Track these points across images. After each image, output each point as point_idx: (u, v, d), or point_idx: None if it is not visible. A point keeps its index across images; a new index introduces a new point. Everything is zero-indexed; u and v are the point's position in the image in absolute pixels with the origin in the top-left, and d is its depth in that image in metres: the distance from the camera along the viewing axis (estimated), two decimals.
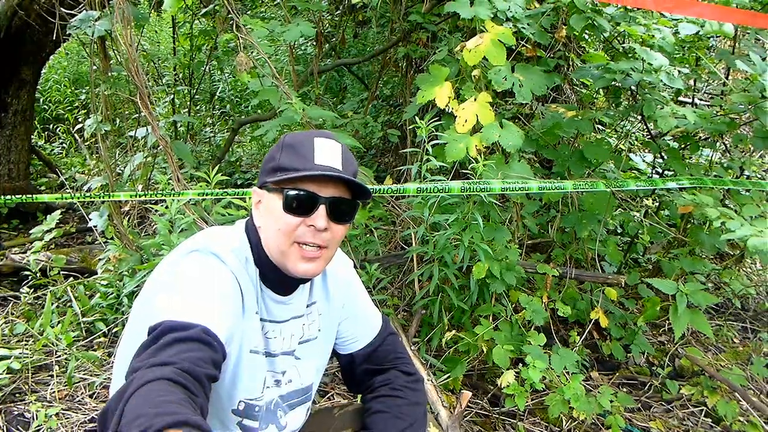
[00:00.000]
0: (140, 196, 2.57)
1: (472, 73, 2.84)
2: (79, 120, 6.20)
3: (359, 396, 1.67)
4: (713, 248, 3.12)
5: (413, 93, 4.25)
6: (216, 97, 6.88)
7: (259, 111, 6.04)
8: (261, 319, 1.39)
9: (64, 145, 6.46)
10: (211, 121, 6.67)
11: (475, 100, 2.70)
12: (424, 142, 2.71)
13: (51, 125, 6.74)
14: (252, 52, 3.02)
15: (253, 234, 1.40)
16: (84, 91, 6.85)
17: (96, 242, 4.26)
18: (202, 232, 1.43)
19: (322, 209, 1.30)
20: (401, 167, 4.13)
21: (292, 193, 1.30)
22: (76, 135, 5.92)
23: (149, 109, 2.73)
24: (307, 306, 1.51)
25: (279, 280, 1.39)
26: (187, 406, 0.94)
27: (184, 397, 0.97)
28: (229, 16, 3.10)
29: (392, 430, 1.49)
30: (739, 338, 3.65)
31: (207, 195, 2.60)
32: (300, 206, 1.30)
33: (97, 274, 3.56)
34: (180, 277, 1.25)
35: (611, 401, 2.62)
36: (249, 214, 1.48)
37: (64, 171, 5.52)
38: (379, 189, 2.43)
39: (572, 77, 3.68)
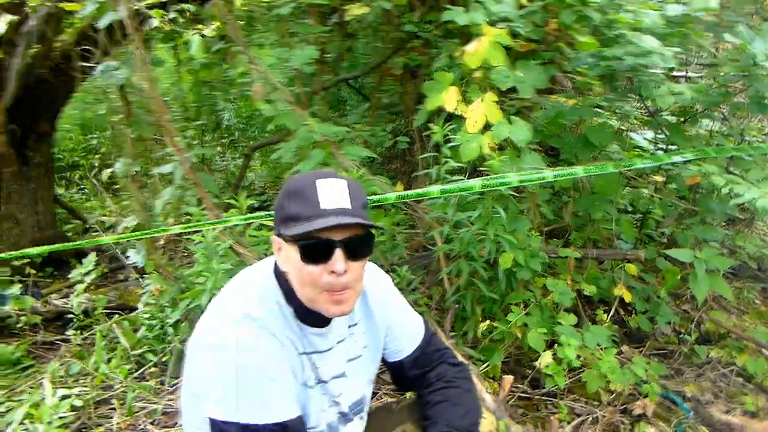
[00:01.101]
0: (186, 227, 2.72)
1: (474, 75, 2.99)
2: (95, 165, 6.40)
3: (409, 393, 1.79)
4: (724, 215, 3.25)
5: (414, 100, 4.41)
6: (223, 126, 7.06)
7: (266, 135, 6.22)
8: (306, 353, 1.45)
9: (84, 190, 6.65)
10: (221, 150, 6.86)
11: (482, 100, 2.85)
12: (440, 145, 2.85)
13: (67, 173, 6.93)
14: (263, 79, 3.18)
15: (281, 278, 1.44)
16: (94, 136, 7.05)
17: (129, 279, 4.45)
18: (233, 285, 1.47)
19: (338, 253, 1.33)
20: (413, 172, 4.27)
21: (307, 244, 1.32)
22: (94, 180, 6.10)
23: (177, 145, 2.89)
24: (349, 327, 1.58)
25: (314, 316, 1.43)
26: None
27: None
28: (238, 48, 3.27)
29: (454, 417, 1.57)
30: (760, 298, 3.77)
31: (251, 219, 2.74)
32: (317, 255, 1.33)
33: (136, 309, 3.72)
34: (228, 365, 1.30)
35: (645, 370, 2.75)
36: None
37: (87, 215, 5.69)
38: (406, 195, 2.58)
39: (567, 67, 3.81)
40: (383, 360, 1.72)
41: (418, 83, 4.25)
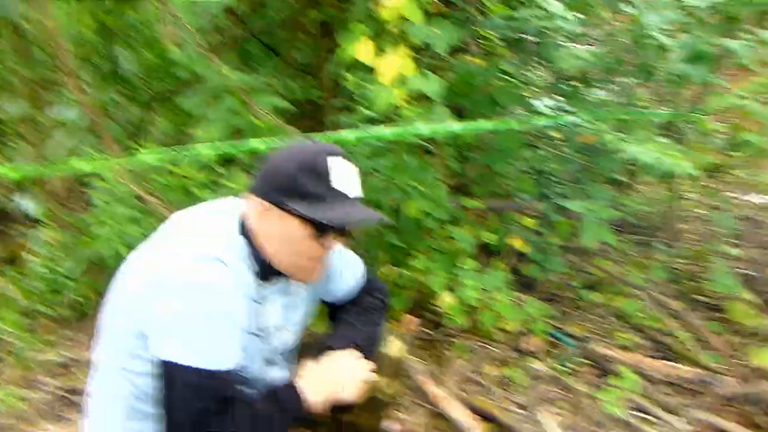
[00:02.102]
0: (89, 162, 2.60)
1: (390, 29, 3.04)
2: None
3: None
4: (611, 172, 3.54)
5: (328, 55, 4.40)
6: (123, 74, 6.65)
7: (168, 86, 5.94)
8: (255, 301, 1.44)
9: None
10: (120, 100, 6.48)
11: (395, 53, 2.92)
12: (351, 95, 2.90)
13: None
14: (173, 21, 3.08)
15: (248, 234, 1.40)
16: None
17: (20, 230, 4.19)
18: (190, 225, 1.41)
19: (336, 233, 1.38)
20: (328, 120, 4.29)
21: (324, 226, 1.32)
22: None
23: (79, 86, 2.75)
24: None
25: (272, 272, 1.43)
26: None
27: None
28: None
29: (354, 333, 1.62)
30: (638, 251, 4.16)
31: (160, 157, 2.66)
32: (324, 236, 1.36)
33: (29, 260, 3.54)
34: (194, 308, 1.25)
35: (536, 310, 3.00)
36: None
37: None
38: (321, 138, 2.61)
39: (479, 30, 3.96)
40: (322, 300, 1.76)
41: (333, 42, 4.24)
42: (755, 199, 5.47)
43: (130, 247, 2.61)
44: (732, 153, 3.76)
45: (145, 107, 5.37)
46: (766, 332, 3.06)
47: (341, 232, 1.40)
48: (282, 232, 1.36)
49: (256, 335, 1.47)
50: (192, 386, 1.25)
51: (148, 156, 2.55)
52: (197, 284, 1.26)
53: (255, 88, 3.57)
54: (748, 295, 3.23)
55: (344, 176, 1.34)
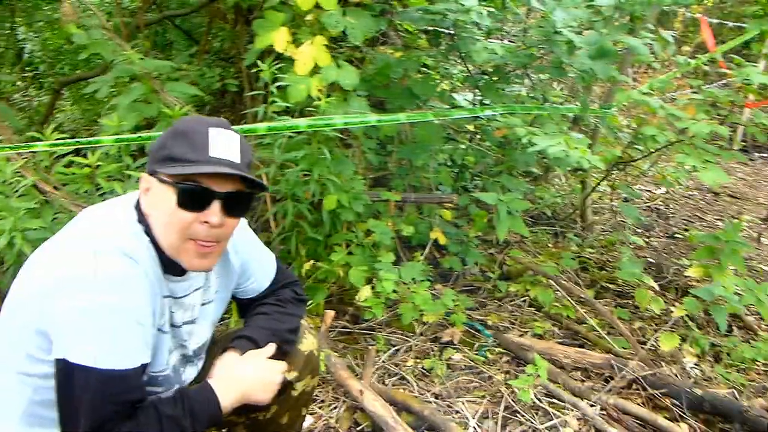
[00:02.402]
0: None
1: (306, 18, 2.99)
2: None
3: None
4: (525, 165, 3.64)
5: (246, 45, 4.28)
6: (25, 58, 6.26)
7: (78, 71, 5.65)
8: (165, 297, 1.39)
9: None
10: (22, 86, 6.09)
11: (311, 43, 2.87)
12: (267, 85, 2.83)
13: None
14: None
15: (145, 221, 1.36)
16: None
17: None
18: (90, 219, 1.35)
19: (216, 205, 1.29)
20: (242, 121, 4.18)
21: (187, 187, 1.27)
22: None
23: None
24: (205, 273, 1.54)
25: (174, 265, 1.38)
26: None
27: None
28: None
29: (268, 326, 1.60)
30: (552, 242, 4.31)
31: (59, 146, 2.49)
32: (194, 202, 1.28)
33: None
34: (97, 304, 1.19)
35: (454, 302, 3.04)
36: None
37: None
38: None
39: (396, 21, 3.97)
40: (234, 297, 1.71)
41: (250, 29, 4.14)
42: (659, 191, 5.80)
43: (32, 243, 2.45)
44: (638, 147, 3.95)
45: (53, 94, 5.07)
46: (671, 317, 3.24)
47: (229, 208, 1.31)
48: (159, 205, 1.31)
49: (168, 332, 1.42)
50: (92, 389, 1.17)
51: (45, 145, 2.37)
52: (99, 279, 1.19)
53: (168, 76, 3.43)
54: (652, 283, 3.40)
55: (223, 144, 1.29)
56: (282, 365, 1.55)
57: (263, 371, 1.50)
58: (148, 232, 1.34)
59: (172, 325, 1.44)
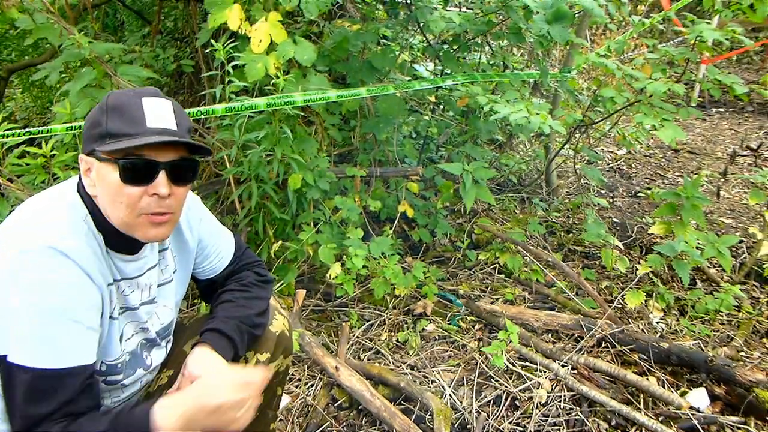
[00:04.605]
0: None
1: None
2: None
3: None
4: (489, 133, 3.65)
5: (200, 23, 4.17)
6: None
7: (27, 57, 5.44)
8: (115, 281, 1.36)
9: None
10: None
11: (266, 20, 2.80)
12: (223, 65, 2.76)
13: None
14: None
15: (88, 200, 1.32)
16: None
17: None
18: (26, 214, 1.28)
19: (162, 175, 1.26)
20: (200, 103, 4.08)
21: (128, 162, 1.23)
22: None
23: None
24: (160, 251, 1.52)
25: (125, 242, 1.35)
26: None
27: None
28: None
29: (236, 314, 1.57)
30: (519, 208, 4.36)
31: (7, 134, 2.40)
32: (139, 175, 1.25)
33: None
34: (26, 304, 1.15)
35: (424, 274, 3.06)
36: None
37: None
38: (189, 113, 2.46)
39: None
40: (194, 278, 1.70)
41: (203, 7, 4.02)
42: (620, 151, 5.89)
43: None
44: (598, 109, 3.99)
45: (1, 82, 4.86)
46: (636, 275, 3.32)
47: (175, 177, 1.29)
48: (104, 184, 1.28)
49: (118, 318, 1.38)
50: (26, 388, 1.15)
51: None
52: (26, 281, 1.16)
53: (120, 59, 3.32)
54: (617, 242, 3.47)
55: (157, 114, 1.27)
56: (253, 373, 1.42)
57: (233, 402, 1.30)
58: (95, 213, 1.31)
59: (128, 308, 1.41)
